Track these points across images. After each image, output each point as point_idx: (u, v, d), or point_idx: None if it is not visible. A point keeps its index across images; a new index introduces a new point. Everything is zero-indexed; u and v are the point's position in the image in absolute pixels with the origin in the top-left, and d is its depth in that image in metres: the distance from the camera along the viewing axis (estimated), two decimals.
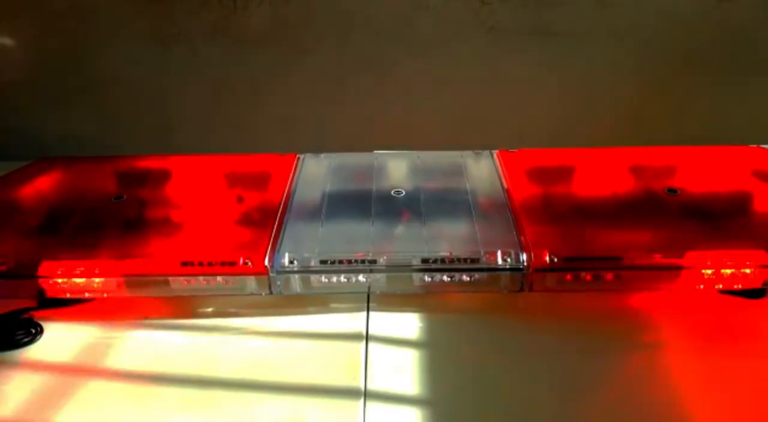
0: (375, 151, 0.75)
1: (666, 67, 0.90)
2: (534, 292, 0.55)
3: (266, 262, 0.54)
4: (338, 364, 0.50)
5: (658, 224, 0.59)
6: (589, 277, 0.54)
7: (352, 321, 0.55)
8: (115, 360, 0.51)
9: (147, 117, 0.96)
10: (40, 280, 0.55)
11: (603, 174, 0.68)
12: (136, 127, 0.97)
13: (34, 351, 0.52)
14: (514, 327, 0.54)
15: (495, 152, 0.73)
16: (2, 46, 0.90)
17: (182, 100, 0.94)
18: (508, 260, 0.54)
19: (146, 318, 0.56)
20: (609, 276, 0.54)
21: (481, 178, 0.68)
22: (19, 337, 0.53)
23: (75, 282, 0.55)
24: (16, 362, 0.51)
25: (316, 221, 0.60)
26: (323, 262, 0.55)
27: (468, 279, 0.55)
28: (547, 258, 0.53)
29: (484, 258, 0.54)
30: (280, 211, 0.61)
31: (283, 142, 0.96)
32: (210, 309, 0.57)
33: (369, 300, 0.57)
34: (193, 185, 0.69)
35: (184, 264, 0.54)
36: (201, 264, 0.54)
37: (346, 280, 0.55)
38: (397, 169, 0.71)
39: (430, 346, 0.52)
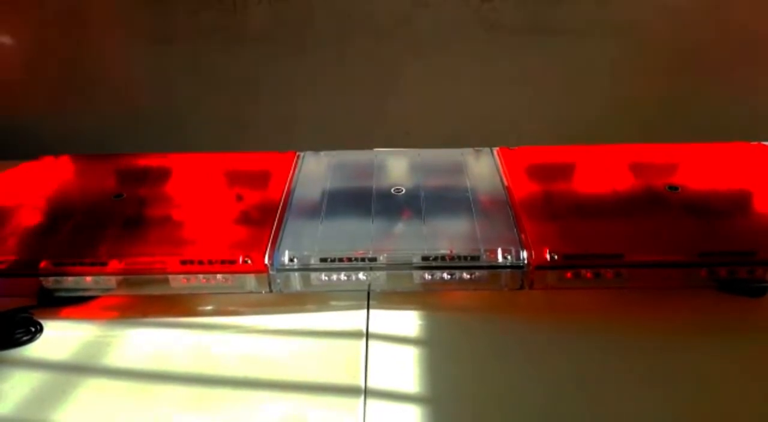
0: (375, 149, 0.75)
1: (666, 64, 0.90)
2: (534, 290, 0.55)
3: (266, 260, 0.54)
4: (338, 362, 0.50)
5: (658, 221, 0.59)
6: (589, 275, 0.54)
7: (352, 319, 0.55)
8: (114, 359, 0.51)
9: (147, 116, 0.96)
10: (40, 278, 0.55)
11: (603, 171, 0.67)
12: (136, 126, 0.97)
13: (33, 350, 0.52)
14: (515, 325, 0.54)
15: (495, 149, 0.73)
16: (2, 46, 0.90)
17: (182, 98, 0.94)
18: (509, 258, 0.54)
19: (146, 316, 0.56)
20: (609, 273, 0.54)
21: (482, 176, 0.67)
22: (19, 336, 0.53)
23: (74, 281, 0.55)
24: (15, 360, 0.51)
25: (316, 219, 0.60)
26: (323, 260, 0.54)
27: (468, 276, 0.55)
28: (548, 256, 0.53)
29: (484, 256, 0.54)
30: (279, 208, 0.61)
31: (283, 140, 0.96)
32: (210, 308, 0.57)
33: (369, 298, 0.57)
34: (193, 183, 0.69)
35: (184, 262, 0.54)
36: (201, 262, 0.54)
37: (346, 278, 0.55)
38: (397, 167, 0.71)
39: (431, 344, 0.52)
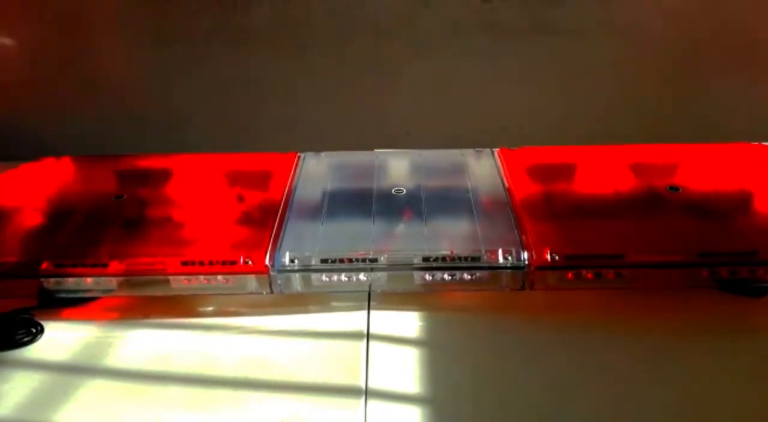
0: (376, 150, 0.75)
1: (668, 65, 0.90)
2: (535, 291, 0.55)
3: (267, 261, 0.54)
4: (339, 363, 0.50)
5: (659, 222, 0.59)
6: (590, 275, 0.54)
7: (353, 319, 0.55)
8: (115, 360, 0.51)
9: (147, 116, 0.95)
10: (41, 280, 0.55)
11: (604, 171, 0.67)
12: (136, 127, 0.96)
13: (34, 351, 0.52)
14: (516, 325, 0.54)
15: (496, 150, 0.73)
16: (2, 46, 0.90)
17: (182, 99, 0.94)
18: (509, 258, 0.54)
19: (147, 317, 0.56)
20: (610, 274, 0.54)
21: (482, 176, 0.67)
22: (20, 337, 0.53)
23: (75, 282, 0.55)
24: (16, 361, 0.51)
25: (316, 220, 0.60)
26: (324, 261, 0.54)
27: (469, 277, 0.55)
28: (549, 257, 0.53)
29: (485, 257, 0.54)
30: (280, 209, 0.61)
31: (284, 141, 0.96)
32: (210, 309, 0.57)
33: (370, 299, 0.57)
34: (194, 184, 0.69)
35: (185, 263, 0.54)
36: (202, 263, 0.54)
37: (347, 279, 0.55)
38: (397, 168, 0.71)
39: (431, 345, 0.52)
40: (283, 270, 0.54)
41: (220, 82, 0.92)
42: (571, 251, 0.54)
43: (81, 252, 0.56)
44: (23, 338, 0.53)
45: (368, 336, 0.53)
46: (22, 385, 0.49)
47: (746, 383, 0.47)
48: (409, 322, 0.54)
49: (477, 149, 0.74)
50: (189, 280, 0.55)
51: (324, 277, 0.55)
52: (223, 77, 0.92)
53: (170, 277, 0.54)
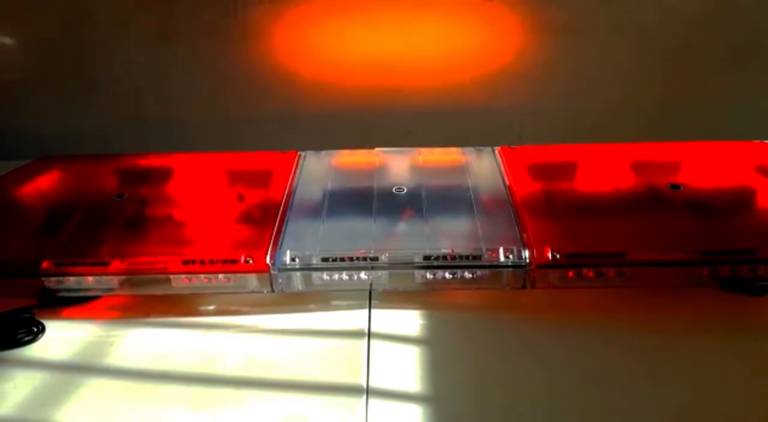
0: (376, 148, 0.74)
1: (668, 63, 0.90)
2: (536, 289, 0.55)
3: (268, 260, 0.54)
4: (340, 362, 0.50)
5: (660, 220, 0.59)
6: (591, 274, 0.54)
7: (354, 318, 0.55)
8: (116, 359, 0.51)
9: (148, 115, 0.95)
10: (42, 279, 0.55)
11: (605, 170, 0.67)
12: (137, 126, 0.96)
13: (35, 350, 0.52)
14: (517, 324, 0.54)
15: (497, 149, 0.73)
16: (2, 46, 0.90)
17: (183, 98, 0.94)
18: (511, 257, 0.54)
19: (147, 316, 0.56)
20: (611, 272, 0.54)
21: (483, 175, 0.67)
22: (21, 336, 0.53)
23: (76, 281, 0.55)
24: (17, 360, 0.51)
25: (317, 218, 0.60)
26: (325, 260, 0.54)
27: (470, 276, 0.55)
28: (550, 255, 0.53)
29: (486, 255, 0.54)
30: (281, 208, 0.61)
31: (285, 140, 0.96)
32: (211, 307, 0.57)
33: (371, 298, 0.57)
34: (195, 183, 0.69)
35: (186, 262, 0.54)
36: (202, 262, 0.54)
37: (347, 278, 0.55)
38: (398, 166, 0.71)
39: (433, 343, 0.52)
40: (284, 269, 0.54)
41: (220, 81, 0.92)
42: (572, 249, 0.54)
43: (82, 251, 0.56)
44: (24, 337, 0.53)
45: (369, 334, 0.53)
46: (23, 384, 0.49)
47: (747, 381, 0.47)
48: (410, 321, 0.54)
49: (478, 148, 0.74)
50: (190, 279, 0.55)
51: (325, 276, 0.55)
52: (223, 76, 0.92)
53: (171, 276, 0.54)
